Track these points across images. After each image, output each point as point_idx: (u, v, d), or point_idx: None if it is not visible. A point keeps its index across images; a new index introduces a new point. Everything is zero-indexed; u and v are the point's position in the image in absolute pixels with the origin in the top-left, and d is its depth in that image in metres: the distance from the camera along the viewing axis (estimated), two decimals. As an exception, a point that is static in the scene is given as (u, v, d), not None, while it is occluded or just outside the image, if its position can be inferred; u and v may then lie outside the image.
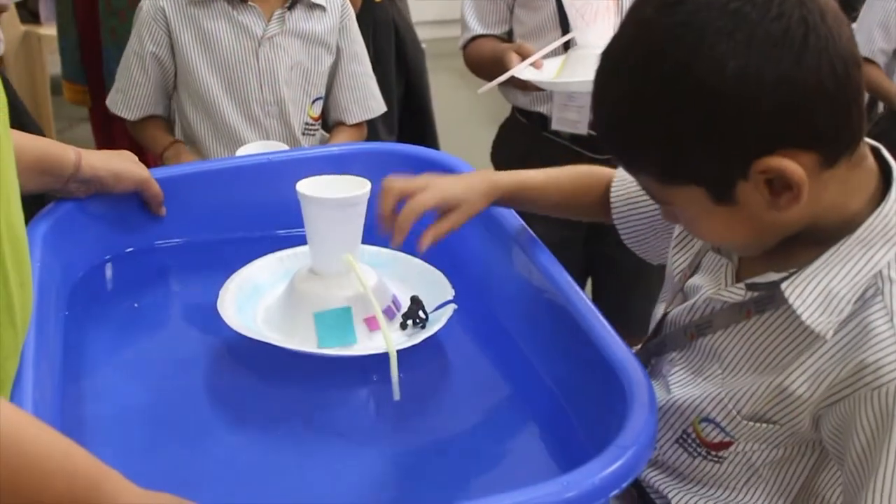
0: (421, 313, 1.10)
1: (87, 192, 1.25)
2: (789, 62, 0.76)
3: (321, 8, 1.76)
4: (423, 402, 1.06)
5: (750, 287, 0.91)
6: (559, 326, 1.06)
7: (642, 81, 0.80)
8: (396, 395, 1.00)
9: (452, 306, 1.11)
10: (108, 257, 1.31)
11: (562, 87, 1.63)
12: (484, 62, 1.78)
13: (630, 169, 0.89)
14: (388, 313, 1.10)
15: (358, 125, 1.88)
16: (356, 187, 1.10)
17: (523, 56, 1.61)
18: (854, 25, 2.27)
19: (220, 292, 1.12)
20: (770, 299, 0.90)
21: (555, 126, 1.78)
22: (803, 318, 0.85)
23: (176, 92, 1.78)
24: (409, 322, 1.10)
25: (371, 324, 1.08)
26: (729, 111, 0.77)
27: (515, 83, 1.64)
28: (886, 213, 0.85)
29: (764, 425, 0.90)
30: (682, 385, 0.99)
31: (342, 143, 1.74)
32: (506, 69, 1.61)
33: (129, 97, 1.76)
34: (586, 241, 1.86)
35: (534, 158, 1.84)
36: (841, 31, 0.79)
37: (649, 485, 1.03)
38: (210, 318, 1.12)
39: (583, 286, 1.91)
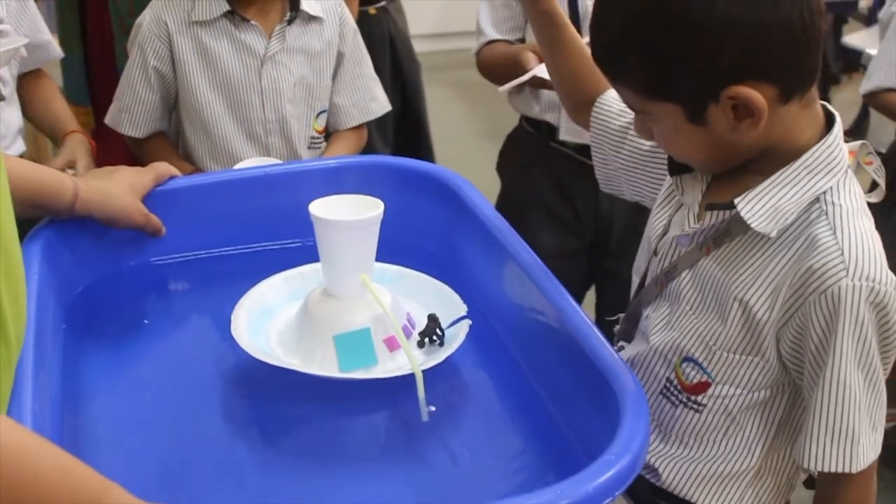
0: (438, 331, 1.10)
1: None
2: (767, 6, 0.89)
3: (318, 20, 1.75)
4: (442, 418, 1.05)
5: (710, 207, 1.01)
6: (552, 336, 1.07)
7: (642, 11, 0.92)
8: (425, 417, 1.00)
9: (467, 322, 1.11)
10: (107, 272, 1.31)
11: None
12: (497, 64, 1.80)
13: (618, 83, 0.99)
14: (405, 332, 1.09)
15: (357, 129, 1.85)
16: (369, 208, 1.09)
17: (539, 55, 1.62)
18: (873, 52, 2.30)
19: (232, 317, 1.11)
20: (726, 232, 1.00)
21: (563, 136, 1.79)
22: (753, 225, 0.95)
23: (177, 108, 1.77)
24: (427, 340, 1.10)
25: (390, 344, 1.07)
26: (711, 43, 0.89)
27: (534, 83, 1.64)
28: (829, 145, 0.96)
29: (738, 357, 0.98)
30: (660, 331, 1.06)
31: (339, 157, 1.73)
32: (521, 69, 1.62)
33: (135, 114, 1.73)
34: (590, 253, 1.88)
35: (540, 168, 1.87)
36: None
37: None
38: (215, 336, 1.12)
39: (582, 298, 1.93)
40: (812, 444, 0.94)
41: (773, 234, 0.95)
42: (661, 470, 1.06)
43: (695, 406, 1.02)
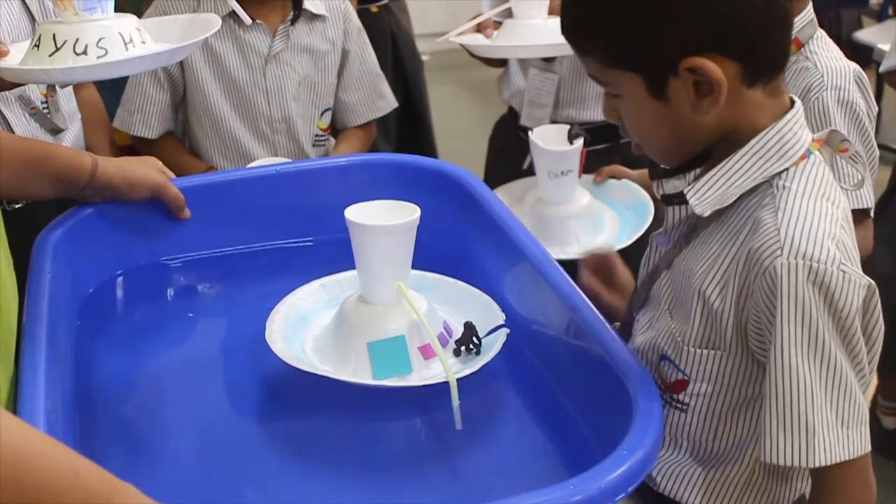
0: (475, 339, 1.08)
1: (103, 198, 1.27)
2: None
3: (323, 18, 1.76)
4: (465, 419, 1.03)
5: (664, 199, 1.01)
6: (565, 333, 1.07)
7: None
8: (458, 425, 0.99)
9: (505, 330, 1.09)
10: (120, 271, 1.32)
11: (490, 51, 1.70)
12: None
13: (584, 53, 0.97)
14: (441, 340, 1.08)
15: (365, 126, 1.86)
16: (405, 213, 1.08)
17: (480, 27, 1.70)
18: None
19: (267, 323, 1.11)
20: (693, 228, 0.99)
21: (524, 121, 1.84)
22: (693, 208, 0.95)
23: (184, 108, 1.78)
24: (463, 348, 1.08)
25: (426, 352, 1.07)
26: (673, 10, 0.88)
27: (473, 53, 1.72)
28: (779, 129, 0.94)
29: (706, 351, 0.96)
30: (642, 332, 1.05)
31: (348, 155, 1.74)
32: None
33: (146, 114, 1.74)
34: None
35: (508, 153, 1.90)
36: None
37: None
38: (231, 334, 1.12)
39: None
40: (766, 436, 0.89)
41: (707, 214, 0.95)
42: (655, 474, 1.03)
43: (679, 406, 1.00)
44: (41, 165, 1.19)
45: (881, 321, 0.92)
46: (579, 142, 1.56)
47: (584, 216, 1.59)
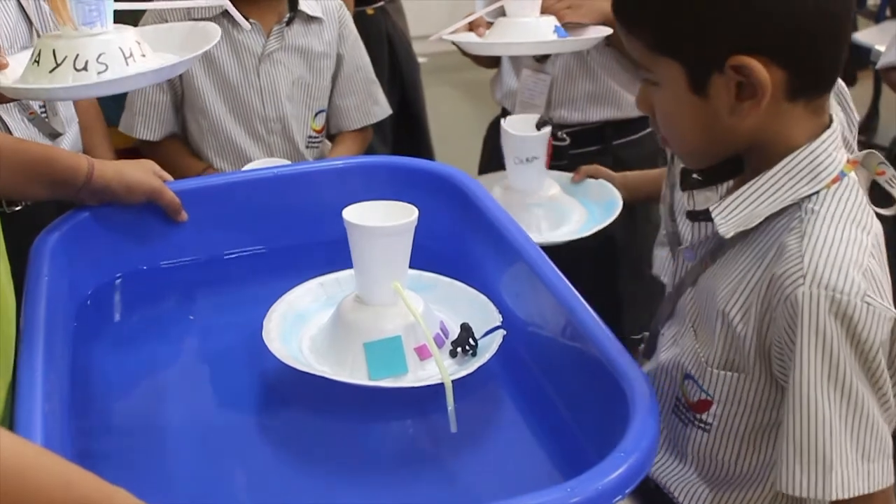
0: (471, 340, 1.08)
1: (100, 202, 1.27)
2: None
3: (319, 20, 1.76)
4: (460, 421, 1.03)
5: (690, 216, 0.99)
6: (561, 335, 1.07)
7: None
8: (453, 427, 0.99)
9: (501, 332, 1.09)
10: (118, 275, 1.32)
11: (481, 48, 1.71)
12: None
13: (631, 34, 0.94)
14: (437, 341, 1.08)
15: (361, 131, 1.87)
16: (403, 214, 1.08)
17: (472, 25, 1.70)
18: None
19: (264, 322, 1.11)
20: (719, 246, 0.97)
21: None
22: (718, 229, 0.93)
23: (183, 110, 1.78)
24: (459, 350, 1.08)
25: (421, 352, 1.07)
26: (731, 3, 0.86)
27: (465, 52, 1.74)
28: (813, 150, 0.91)
29: (729, 374, 0.94)
30: (666, 349, 1.04)
31: (345, 157, 1.75)
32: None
33: (148, 118, 1.75)
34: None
35: (501, 153, 1.92)
36: None
37: (659, 482, 1.05)
38: (231, 338, 1.12)
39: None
40: (782, 465, 0.87)
41: (729, 236, 0.93)
42: (678, 493, 1.03)
43: (702, 425, 0.99)
44: (38, 167, 1.20)
45: None
46: (546, 130, 1.57)
47: (550, 206, 1.59)
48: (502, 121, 1.61)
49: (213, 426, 1.06)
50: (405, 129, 2.57)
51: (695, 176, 1.00)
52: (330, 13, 1.79)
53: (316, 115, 1.81)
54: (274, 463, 1.01)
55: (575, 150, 1.83)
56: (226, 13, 1.68)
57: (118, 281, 1.32)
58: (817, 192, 0.91)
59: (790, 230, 0.90)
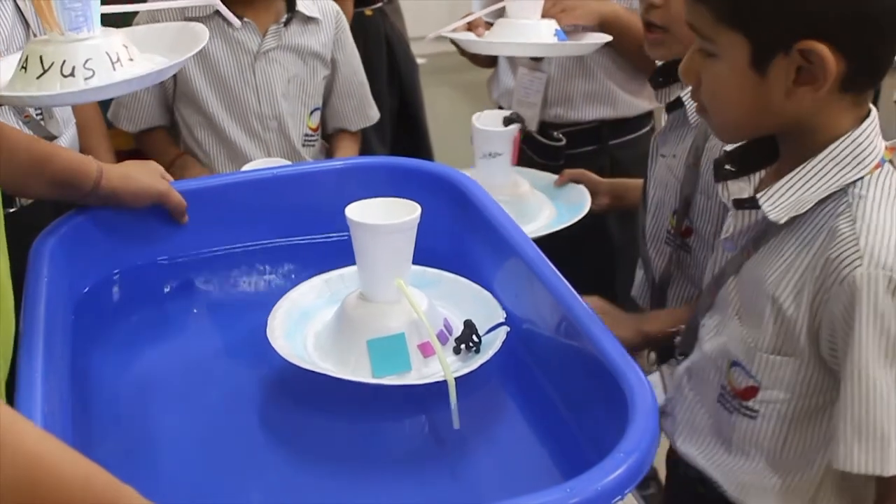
0: (474, 337, 1.09)
1: (105, 204, 1.28)
2: None
3: (316, 21, 1.78)
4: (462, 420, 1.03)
5: (736, 205, 1.00)
6: (560, 334, 1.07)
7: None
8: (456, 424, 0.99)
9: (505, 329, 1.10)
10: (115, 271, 1.32)
11: (479, 47, 1.73)
12: None
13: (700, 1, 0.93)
14: (441, 338, 1.08)
15: (357, 132, 1.91)
16: (406, 211, 1.08)
17: (471, 25, 1.72)
18: None
19: (269, 318, 1.11)
20: (762, 234, 0.98)
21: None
22: (768, 215, 0.94)
23: (178, 106, 1.80)
24: (463, 347, 1.08)
25: (425, 350, 1.07)
26: None
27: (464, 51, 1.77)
28: (856, 138, 0.93)
29: (779, 358, 0.96)
30: (711, 338, 1.05)
31: (346, 158, 1.76)
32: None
33: (131, 110, 1.77)
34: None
35: None
36: None
37: (704, 471, 1.06)
38: (230, 335, 1.12)
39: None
40: (839, 443, 0.91)
41: (783, 221, 0.94)
42: (723, 482, 1.04)
43: (748, 412, 1.00)
44: (46, 166, 1.20)
45: None
46: (512, 127, 1.57)
47: (514, 203, 1.59)
48: (474, 116, 1.61)
49: (213, 424, 1.05)
50: (404, 130, 2.57)
51: (728, 167, 1.01)
52: (327, 15, 1.81)
53: (311, 112, 1.82)
54: (276, 460, 1.01)
55: (571, 150, 1.83)
56: (220, 12, 1.69)
57: (118, 281, 1.32)
58: (861, 178, 0.93)
59: (838, 215, 0.92)
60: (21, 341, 1.01)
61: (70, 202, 1.29)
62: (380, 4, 2.51)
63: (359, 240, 1.08)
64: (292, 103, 1.78)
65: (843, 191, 0.93)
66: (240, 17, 1.70)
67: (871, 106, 0.96)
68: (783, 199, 0.94)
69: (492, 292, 1.19)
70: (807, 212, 0.94)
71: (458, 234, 1.34)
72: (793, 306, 0.94)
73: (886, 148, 0.95)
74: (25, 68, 1.12)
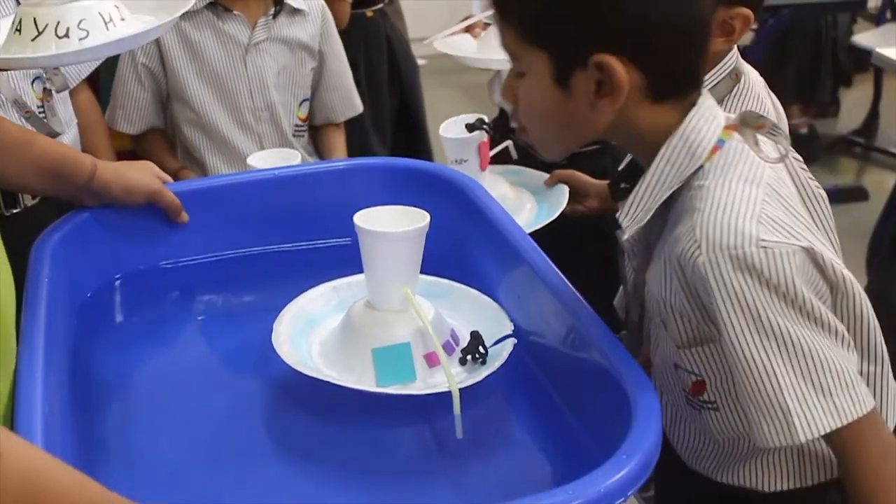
0: (481, 348, 1.08)
1: (99, 202, 1.27)
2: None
3: (302, 13, 1.82)
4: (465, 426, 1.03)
5: (616, 226, 1.01)
6: (563, 337, 1.07)
7: None
8: (459, 434, 0.98)
9: (512, 341, 1.09)
10: (118, 275, 1.32)
11: (470, 62, 1.77)
12: None
13: (504, 21, 0.96)
14: (447, 348, 1.07)
15: (341, 124, 1.96)
16: (414, 219, 1.07)
17: (470, 28, 1.77)
18: None
19: (275, 324, 1.11)
20: (647, 246, 1.01)
21: (514, 122, 1.85)
22: (626, 234, 0.98)
23: (170, 104, 1.81)
24: (469, 358, 1.08)
25: (430, 360, 1.06)
26: (598, 2, 0.89)
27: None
28: (683, 131, 0.94)
29: (700, 348, 0.97)
30: (654, 350, 1.07)
31: (348, 160, 1.77)
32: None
33: (128, 111, 1.79)
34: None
35: (498, 154, 1.94)
36: None
37: (703, 473, 1.08)
38: (231, 340, 1.12)
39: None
40: (751, 423, 0.91)
41: (624, 238, 0.98)
42: (720, 477, 1.05)
43: (709, 406, 1.01)
44: (42, 160, 1.20)
45: (845, 275, 0.92)
46: (476, 134, 1.57)
47: None
48: (444, 123, 1.63)
49: (214, 429, 1.05)
50: (404, 131, 2.58)
51: (623, 185, 1.02)
52: (313, 7, 1.85)
53: (301, 103, 1.87)
54: (278, 466, 1.01)
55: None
56: (211, 5, 1.70)
57: (119, 282, 1.31)
58: (701, 167, 0.94)
59: (684, 210, 0.93)
60: (21, 341, 1.01)
61: (71, 202, 1.29)
62: (380, 5, 2.52)
63: (366, 247, 1.07)
64: (283, 94, 1.81)
65: (687, 185, 0.94)
66: (229, 10, 1.72)
67: (705, 92, 0.96)
68: (633, 212, 0.96)
69: (494, 295, 1.19)
70: (667, 215, 0.96)
71: (459, 235, 1.34)
72: (679, 302, 0.95)
73: (725, 128, 0.95)
74: (20, 31, 1.13)
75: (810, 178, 1.10)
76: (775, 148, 0.95)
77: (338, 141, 1.92)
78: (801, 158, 1.10)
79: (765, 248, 0.88)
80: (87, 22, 1.12)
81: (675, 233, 0.93)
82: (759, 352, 0.89)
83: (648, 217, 0.96)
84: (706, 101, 0.96)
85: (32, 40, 1.12)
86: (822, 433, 0.89)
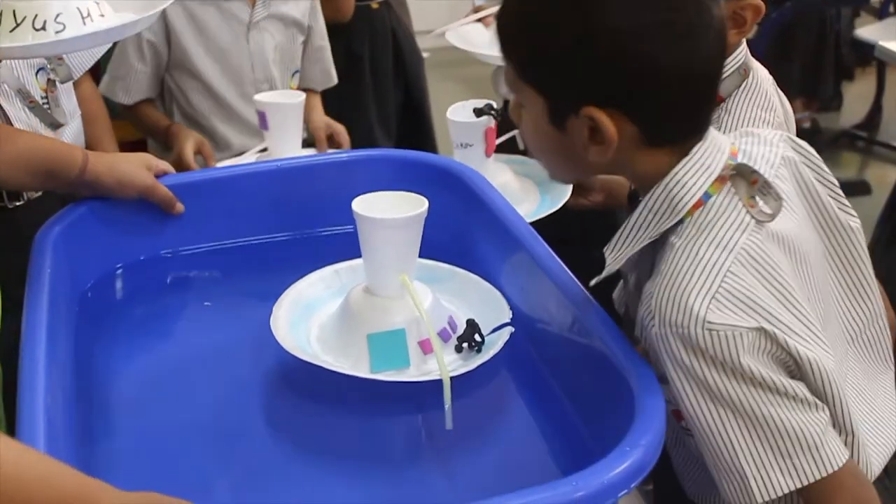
0: (476, 336, 1.08)
1: (94, 194, 1.27)
2: (687, 51, 0.87)
3: None
4: (460, 414, 1.02)
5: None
6: (566, 328, 1.07)
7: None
8: (449, 425, 0.98)
9: (509, 329, 1.09)
10: (119, 265, 1.32)
11: (481, 57, 1.78)
12: None
13: (505, 54, 0.96)
14: (444, 335, 1.07)
15: (319, 92, 2.05)
16: (413, 205, 1.07)
17: (484, 21, 1.78)
18: None
19: (274, 308, 1.11)
20: (638, 279, 0.99)
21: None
22: (608, 262, 0.96)
23: (173, 75, 1.86)
24: (465, 345, 1.07)
25: (425, 346, 1.06)
26: (591, 57, 0.87)
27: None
28: (667, 183, 0.92)
29: (667, 385, 0.94)
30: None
31: (351, 151, 1.76)
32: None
33: (128, 83, 1.84)
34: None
35: (503, 145, 1.94)
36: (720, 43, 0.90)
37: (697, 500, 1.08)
38: (231, 328, 1.13)
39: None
40: (715, 481, 0.91)
41: (601, 276, 0.97)
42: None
43: (688, 432, 0.97)
44: (33, 157, 1.20)
45: (809, 357, 0.88)
46: (483, 119, 1.57)
47: None
48: (452, 106, 1.62)
49: (214, 417, 1.05)
50: (409, 123, 2.57)
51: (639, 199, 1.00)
52: None
53: (293, 75, 1.96)
54: (274, 454, 1.01)
55: None
56: None
57: (120, 273, 1.32)
58: (682, 221, 0.92)
59: (658, 263, 0.92)
60: (24, 333, 1.01)
61: (72, 196, 1.29)
62: (386, -2, 2.51)
63: (364, 233, 1.07)
64: (279, 68, 1.91)
65: (665, 237, 0.93)
66: None
67: (709, 133, 0.93)
68: (616, 251, 0.96)
69: (496, 285, 1.19)
70: (648, 258, 0.95)
71: (462, 227, 1.34)
72: (650, 344, 0.93)
73: (716, 180, 0.92)
74: None
75: (842, 208, 1.04)
76: (767, 205, 0.92)
77: (316, 101, 2.01)
78: (836, 184, 1.04)
79: (710, 330, 0.86)
80: (65, 16, 1.17)
81: (647, 286, 0.92)
82: (714, 419, 0.88)
83: (622, 262, 0.95)
84: (703, 147, 0.92)
85: (10, 31, 1.17)
86: (781, 494, 0.89)
